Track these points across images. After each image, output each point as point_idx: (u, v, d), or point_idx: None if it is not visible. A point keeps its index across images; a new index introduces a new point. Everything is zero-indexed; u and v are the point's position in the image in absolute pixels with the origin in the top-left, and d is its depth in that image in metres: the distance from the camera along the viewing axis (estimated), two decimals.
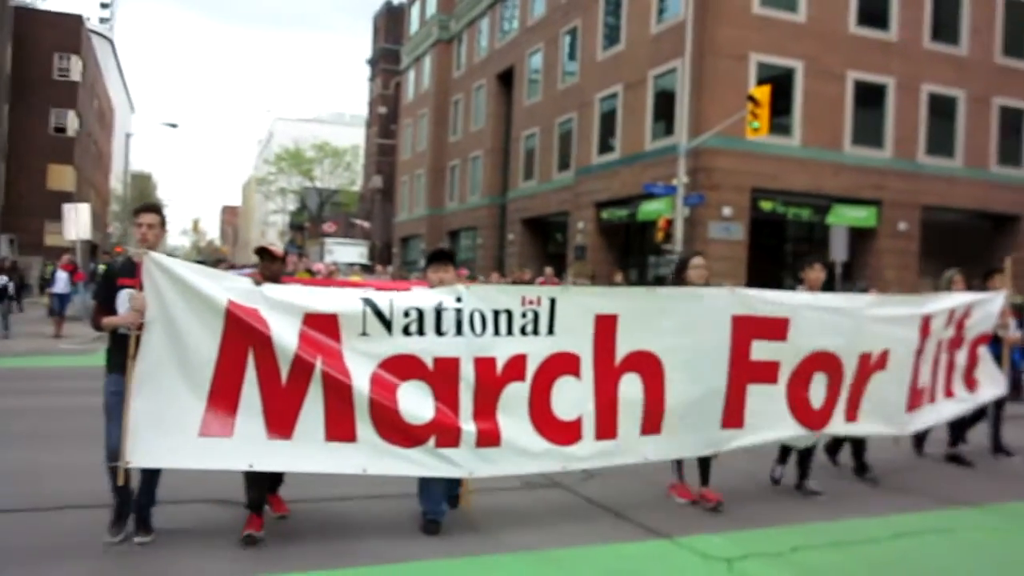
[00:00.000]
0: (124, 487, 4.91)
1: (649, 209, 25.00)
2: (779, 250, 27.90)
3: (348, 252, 36.68)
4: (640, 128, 27.19)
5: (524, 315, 5.41)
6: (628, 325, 5.66)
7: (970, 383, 7.81)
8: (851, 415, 6.59)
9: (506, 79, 41.31)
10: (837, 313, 6.42)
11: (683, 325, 5.83)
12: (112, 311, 4.97)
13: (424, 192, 50.51)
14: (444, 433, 5.17)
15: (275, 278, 5.23)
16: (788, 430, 6.31)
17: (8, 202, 45.33)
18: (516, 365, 5.37)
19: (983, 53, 27.88)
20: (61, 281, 18.26)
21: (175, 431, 4.82)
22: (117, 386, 4.85)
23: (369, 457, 5.09)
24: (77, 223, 22.00)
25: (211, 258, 39.67)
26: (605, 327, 5.62)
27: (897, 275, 25.88)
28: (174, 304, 4.85)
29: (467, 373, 5.24)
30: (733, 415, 6.03)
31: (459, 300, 5.28)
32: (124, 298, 4.92)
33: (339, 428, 5.04)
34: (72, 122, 51.73)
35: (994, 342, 8.03)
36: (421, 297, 5.27)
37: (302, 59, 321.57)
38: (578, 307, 5.59)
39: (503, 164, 41.42)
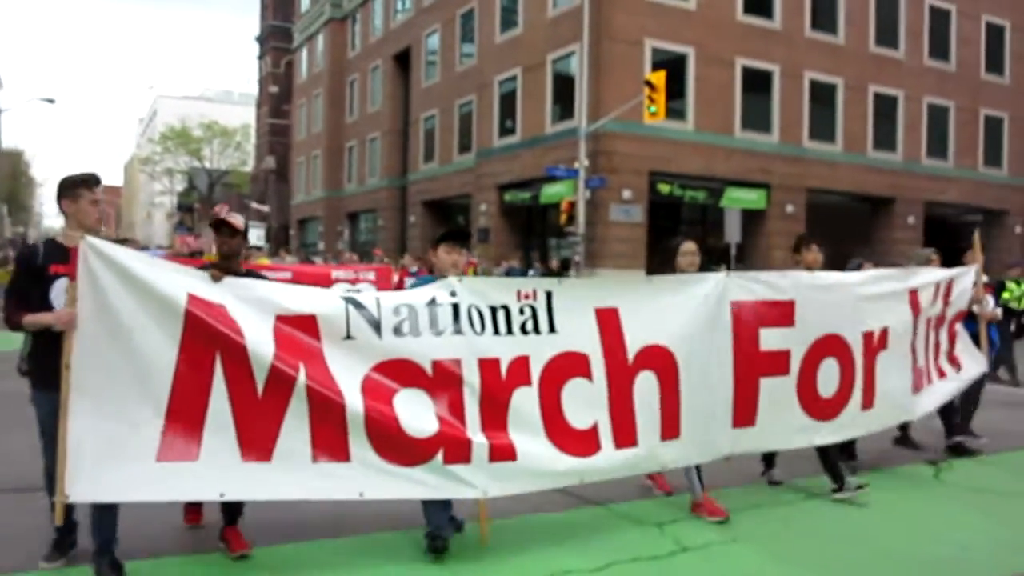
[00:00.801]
0: (65, 524, 4.21)
1: (551, 192, 25.45)
2: (676, 232, 28.82)
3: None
4: (540, 111, 27.57)
5: (522, 311, 4.78)
6: (632, 318, 5.06)
7: (953, 361, 7.41)
8: (867, 401, 6.09)
9: (403, 60, 40.97)
10: (834, 291, 6.01)
11: (685, 316, 5.26)
12: (31, 306, 4.08)
13: (321, 174, 49.68)
14: (453, 447, 4.44)
15: (233, 257, 4.56)
16: (798, 426, 5.76)
17: None
18: (520, 368, 4.72)
19: (858, 42, 29.45)
20: None
21: (126, 456, 4.01)
22: (53, 403, 4.00)
23: (366, 479, 4.34)
24: None
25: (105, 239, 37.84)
26: (608, 322, 5.01)
27: (785, 256, 27.10)
28: (119, 300, 4.03)
29: (471, 377, 4.55)
30: (743, 412, 5.45)
31: (453, 295, 4.61)
32: (61, 290, 4.08)
33: (328, 446, 4.29)
34: None
35: (968, 319, 7.66)
36: (411, 292, 4.70)
37: (184, 35, 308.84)
38: (575, 301, 4.97)
39: (402, 146, 41.15)
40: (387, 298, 4.59)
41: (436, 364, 4.48)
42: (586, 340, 4.94)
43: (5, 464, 6.34)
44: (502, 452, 4.54)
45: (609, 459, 4.88)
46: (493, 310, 4.71)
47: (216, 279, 4.27)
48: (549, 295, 4.87)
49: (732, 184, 26.58)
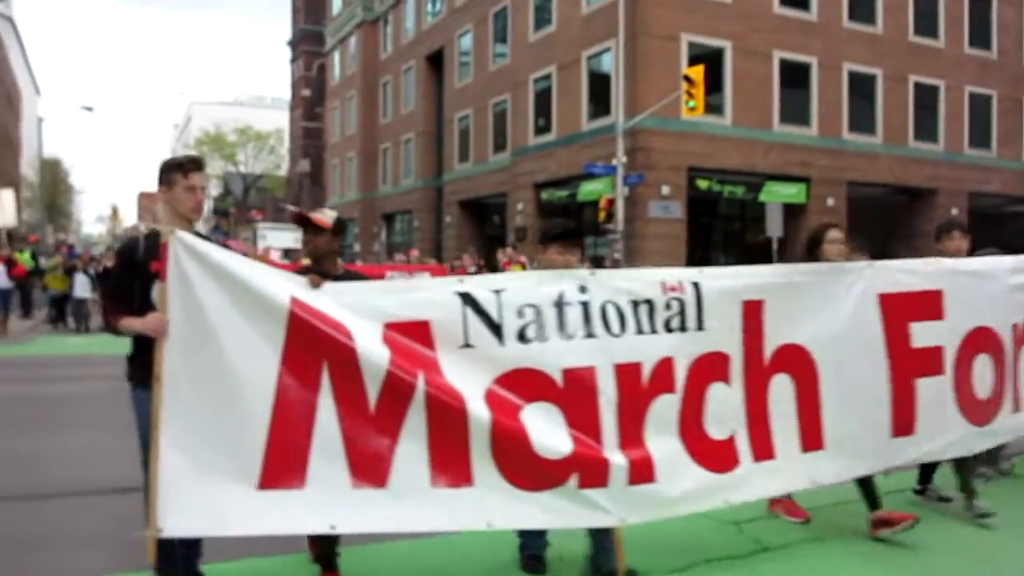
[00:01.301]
0: (165, 556, 3.54)
1: (589, 189, 25.37)
2: (714, 228, 28.64)
3: (283, 237, 35.99)
4: (576, 109, 27.49)
5: (668, 306, 4.16)
6: (774, 312, 4.46)
7: None
8: (1017, 403, 5.42)
9: (435, 60, 41.09)
10: (984, 278, 5.32)
11: (828, 312, 4.66)
12: (131, 307, 3.64)
13: (356, 175, 49.98)
14: (588, 469, 3.89)
15: (325, 258, 4.12)
16: (957, 432, 5.09)
17: None
18: (663, 372, 4.12)
19: (897, 32, 29.01)
20: (1, 275, 17.33)
21: (225, 484, 3.53)
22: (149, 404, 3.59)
23: (493, 506, 3.79)
24: (2, 210, 21.29)
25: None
26: (752, 316, 4.41)
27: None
28: (214, 303, 3.57)
29: (607, 387, 3.95)
30: (902, 420, 4.84)
31: (583, 290, 4.00)
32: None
33: (449, 469, 3.75)
34: None
35: None
36: (535, 289, 3.97)
37: (215, 41, 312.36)
38: (723, 293, 4.34)
39: (437, 146, 41.29)
40: (510, 296, 3.92)
41: (567, 373, 3.90)
42: (729, 338, 4.37)
43: (63, 466, 6.43)
44: (641, 473, 3.98)
45: (748, 474, 4.31)
46: (635, 305, 4.09)
47: (315, 285, 3.73)
48: (697, 287, 4.24)
49: (771, 178, 26.29)
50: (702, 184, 25.64)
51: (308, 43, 67.70)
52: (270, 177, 73.70)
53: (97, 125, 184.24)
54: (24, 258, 19.72)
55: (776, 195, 25.79)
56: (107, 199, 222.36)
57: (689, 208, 25.31)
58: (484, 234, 37.09)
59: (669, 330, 4.17)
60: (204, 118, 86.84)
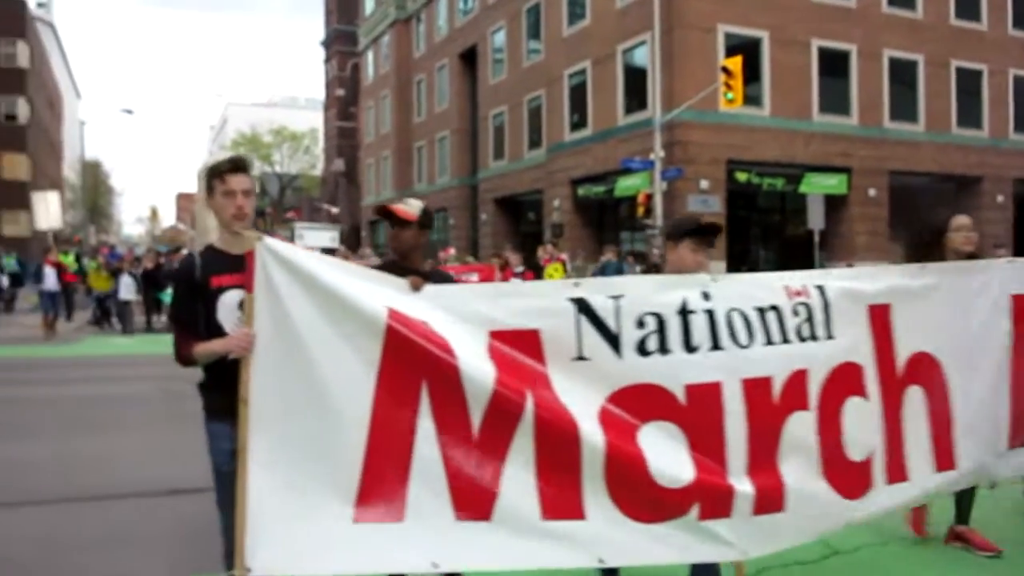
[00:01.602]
0: None
1: (626, 184, 25.20)
2: (754, 221, 28.32)
3: (320, 236, 36.17)
4: (612, 103, 27.32)
5: (796, 312, 3.69)
6: (902, 318, 4.00)
7: None
8: None
9: (469, 58, 41.10)
10: None
11: (958, 315, 4.21)
12: (200, 332, 3.26)
13: (391, 174, 50.20)
14: (711, 498, 3.42)
15: (411, 253, 3.76)
16: None
17: None
18: (796, 386, 3.63)
19: (938, 16, 28.45)
20: (50, 278, 17.17)
21: (318, 517, 3.17)
22: (230, 440, 3.17)
23: (606, 540, 3.36)
24: (48, 212, 21.56)
25: (171, 246, 39.19)
26: (880, 322, 3.96)
27: (868, 241, 26.52)
28: (305, 316, 3.17)
29: (734, 405, 3.48)
30: (1020, 430, 4.35)
31: (707, 297, 3.55)
32: (229, 307, 3.28)
33: (560, 499, 3.33)
34: (23, 109, 50.44)
35: None
36: (655, 296, 3.49)
37: (250, 43, 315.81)
38: (849, 297, 3.89)
39: (471, 144, 41.30)
40: (628, 303, 3.45)
41: (690, 389, 3.43)
42: (860, 346, 3.89)
43: (118, 467, 6.46)
44: (769, 501, 3.51)
45: (880, 497, 3.84)
46: (761, 313, 3.61)
47: (416, 287, 3.31)
48: (822, 290, 3.78)
49: (811, 170, 25.94)
50: (741, 177, 25.35)
51: (341, 43, 68.12)
52: (305, 177, 74.27)
53: (136, 128, 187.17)
54: (68, 260, 19.93)
55: (816, 186, 25.45)
56: (146, 200, 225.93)
57: (728, 201, 25.04)
58: (520, 231, 37.04)
59: (801, 339, 3.67)
60: (240, 119, 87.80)
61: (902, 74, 27.89)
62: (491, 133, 38.13)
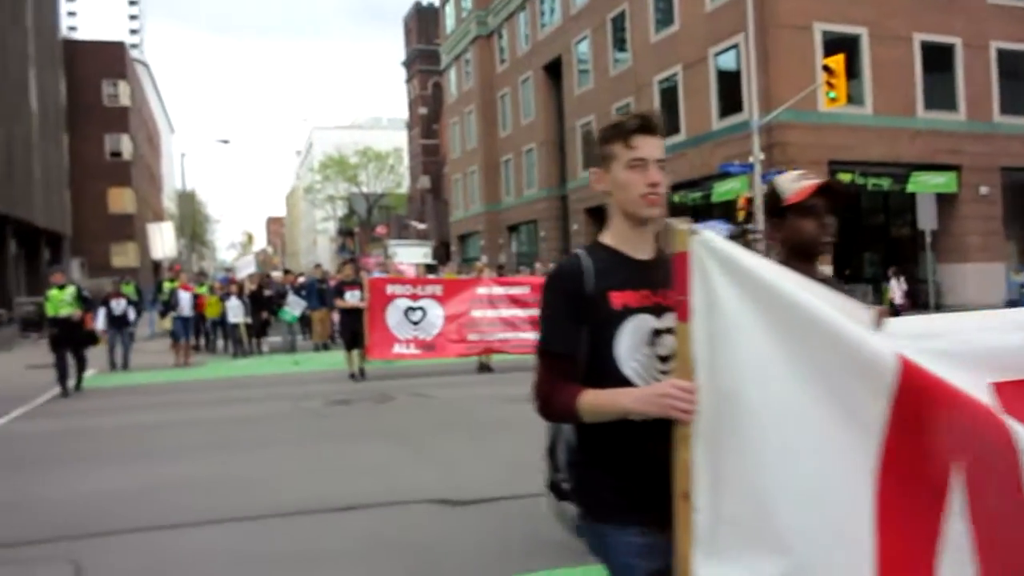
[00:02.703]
0: None
1: (724, 189, 24.78)
2: (857, 222, 27.45)
3: (412, 253, 36.75)
4: (704, 108, 26.95)
5: None
6: None
7: None
8: None
9: (553, 69, 41.17)
10: None
11: None
12: (580, 369, 2.09)
13: (478, 189, 50.60)
14: None
15: (805, 254, 2.51)
16: None
17: (74, 227, 46.35)
18: None
19: None
20: (185, 302, 17.06)
21: None
22: (650, 557, 2.05)
23: None
24: (163, 241, 22.44)
25: (263, 269, 40.16)
26: None
27: (982, 242, 25.43)
28: (767, 355, 1.93)
29: None
30: None
31: None
32: (642, 338, 2.11)
33: None
34: (126, 146, 52.79)
35: None
36: None
37: (332, 67, 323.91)
38: None
39: (559, 155, 41.32)
40: None
41: None
42: None
43: (283, 484, 6.56)
44: None
45: None
46: None
47: (880, 321, 1.98)
48: None
49: (918, 168, 25.03)
50: (844, 177, 24.59)
51: (422, 62, 69.23)
52: (392, 195, 75.59)
53: (226, 157, 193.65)
54: (202, 289, 19.66)
55: (924, 185, 24.58)
56: (239, 226, 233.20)
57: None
58: None
59: None
60: (325, 142, 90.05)
61: (1012, 65, 26.69)
62: (579, 143, 38.05)
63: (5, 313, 28.40)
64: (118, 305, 16.13)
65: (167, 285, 19.02)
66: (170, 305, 17.27)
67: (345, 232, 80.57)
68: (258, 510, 5.75)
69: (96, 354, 15.69)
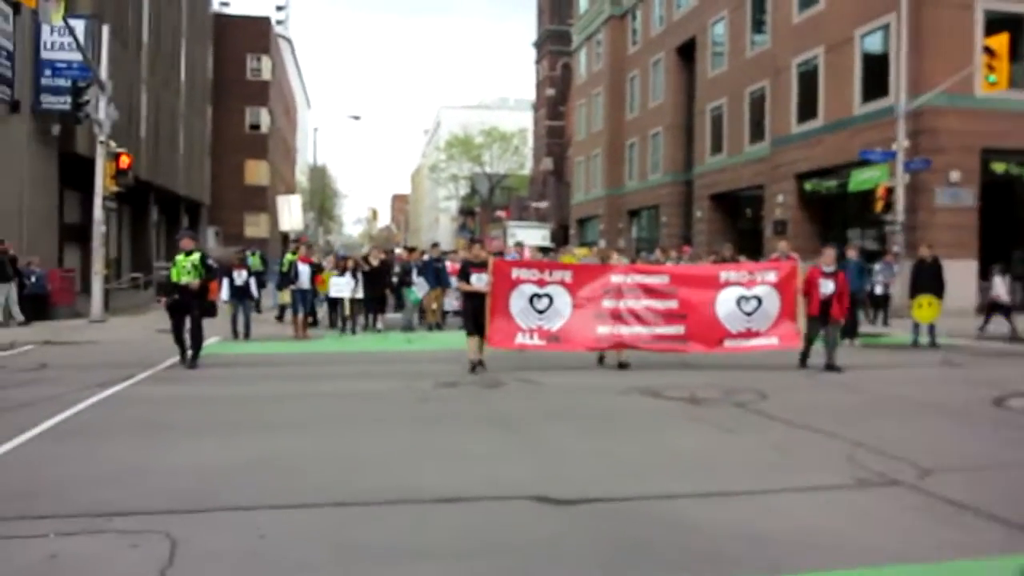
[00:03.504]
0: None
1: (863, 178, 23.27)
2: (1013, 216, 25.33)
3: (532, 235, 36.66)
4: (847, 92, 25.40)
5: None
6: None
7: None
8: None
9: (686, 51, 39.99)
10: None
11: None
12: None
13: (601, 172, 49.91)
14: None
15: None
16: None
17: (211, 196, 48.41)
18: None
19: None
20: (304, 275, 16.84)
21: None
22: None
23: None
24: (291, 214, 22.93)
25: (387, 245, 40.86)
26: None
27: None
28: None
29: None
30: None
31: None
32: None
33: None
34: (265, 119, 54.70)
35: None
36: None
37: (462, 47, 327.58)
38: None
39: (686, 139, 40.19)
40: None
41: None
42: None
43: (392, 468, 6.35)
44: None
45: None
46: None
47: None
48: None
49: None
50: (998, 167, 22.73)
51: (553, 43, 68.73)
52: (514, 177, 75.63)
53: (357, 133, 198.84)
54: (255, 260, 19.81)
55: None
56: (365, 202, 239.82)
57: (983, 194, 22.53)
58: (737, 228, 35.52)
59: None
60: (452, 122, 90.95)
61: None
62: (708, 127, 36.81)
63: (143, 277, 29.87)
64: (239, 276, 16.53)
65: (288, 257, 19.03)
66: (289, 277, 17.48)
67: (466, 212, 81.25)
68: (359, 495, 5.54)
69: (219, 323, 16.18)
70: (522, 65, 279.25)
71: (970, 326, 18.09)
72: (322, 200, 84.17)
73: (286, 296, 17.55)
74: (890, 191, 21.31)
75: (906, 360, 13.70)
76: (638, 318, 12.22)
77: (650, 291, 12.28)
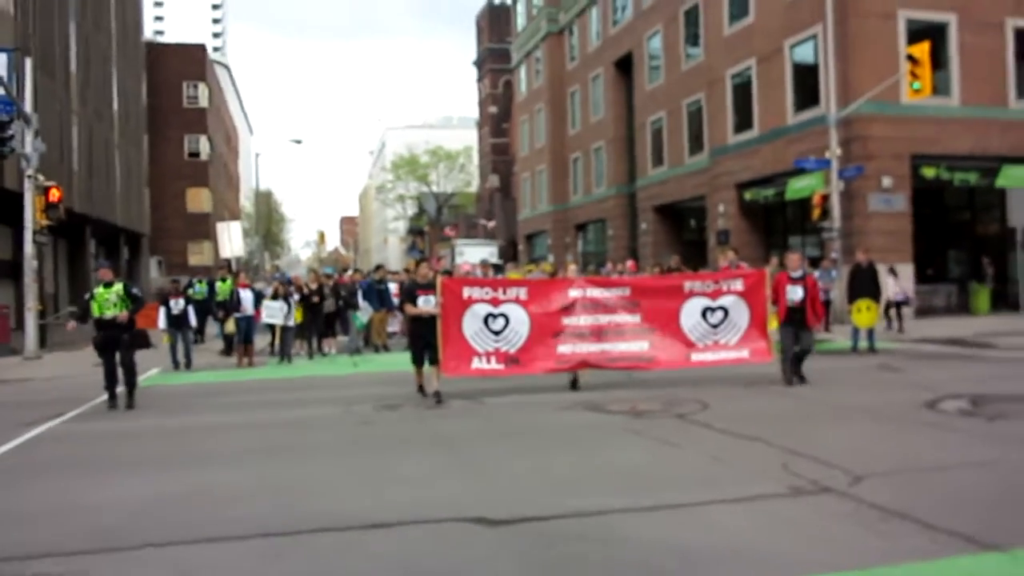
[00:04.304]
0: None
1: (799, 186, 23.76)
2: (942, 219, 26.07)
3: (479, 252, 36.70)
4: (780, 102, 25.93)
5: None
6: None
7: None
8: None
9: (624, 65, 40.45)
10: None
11: None
12: None
13: (547, 187, 50.14)
14: None
15: None
16: None
17: (153, 226, 47.52)
18: None
19: None
20: (247, 301, 16.66)
21: None
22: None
23: None
24: (231, 241, 22.61)
25: (338, 267, 40.63)
26: None
27: None
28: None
29: None
30: None
31: None
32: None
33: None
34: (204, 146, 54.04)
35: None
36: None
37: (404, 68, 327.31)
38: None
39: (628, 152, 40.58)
40: None
41: None
42: None
43: (318, 495, 6.24)
44: None
45: None
46: None
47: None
48: None
49: (1009, 161, 23.57)
50: (928, 172, 23.36)
51: (493, 61, 69.12)
52: (462, 195, 75.69)
53: (302, 157, 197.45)
54: (201, 288, 19.72)
55: (1016, 179, 23.26)
56: (313, 225, 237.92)
57: (914, 199, 23.13)
58: (682, 239, 35.94)
59: None
60: (397, 142, 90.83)
61: None
62: (649, 140, 37.26)
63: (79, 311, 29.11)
64: (176, 304, 16.21)
65: (221, 286, 18.55)
66: (230, 306, 17.14)
67: (415, 231, 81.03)
68: (288, 525, 5.41)
69: (158, 355, 15.81)
70: (466, 84, 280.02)
71: (912, 329, 18.55)
72: (268, 225, 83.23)
73: (231, 325, 17.16)
74: (826, 198, 21.77)
75: (845, 366, 13.92)
76: (601, 334, 11.46)
77: (611, 305, 11.55)
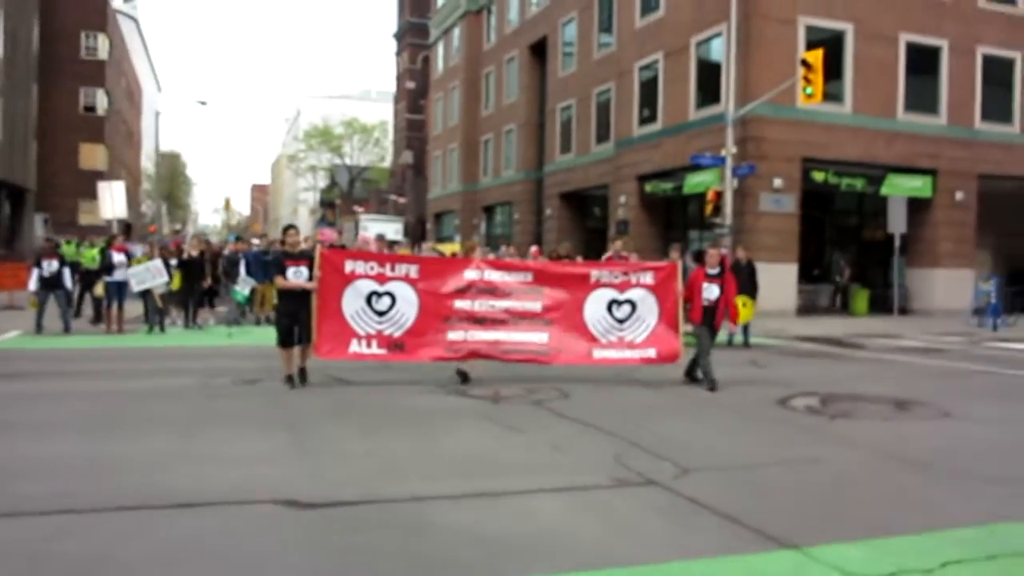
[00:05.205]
0: None
1: (696, 181, 24.19)
2: (829, 223, 26.98)
3: (384, 228, 36.26)
4: (683, 97, 26.31)
5: None
6: None
7: None
8: None
9: (539, 50, 40.43)
10: None
11: None
12: None
13: (457, 167, 49.85)
14: None
15: None
16: None
17: (41, 181, 45.20)
18: None
19: None
20: (120, 266, 15.85)
21: None
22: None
23: None
24: (112, 201, 21.67)
25: (247, 236, 39.44)
26: None
27: (954, 247, 25.07)
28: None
29: None
30: None
31: None
32: None
33: None
34: (101, 101, 51.63)
35: None
36: None
37: (326, 36, 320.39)
38: None
39: (538, 137, 40.65)
40: None
41: None
42: None
43: (138, 472, 5.99)
44: None
45: None
46: None
47: None
48: None
49: (894, 170, 24.56)
50: (818, 176, 24.10)
51: (413, 35, 68.19)
52: (375, 169, 74.71)
53: (212, 120, 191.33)
54: (69, 249, 18.76)
55: (899, 188, 24.15)
56: (223, 191, 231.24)
57: (804, 202, 23.83)
58: (585, 227, 36.26)
59: None
60: (313, 112, 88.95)
61: (997, 72, 26.22)
62: (559, 127, 37.38)
63: None
64: (49, 265, 15.41)
65: (89, 252, 17.89)
66: (101, 268, 16.30)
67: (326, 203, 79.63)
68: (91, 502, 5.16)
69: (24, 317, 15.02)
70: (387, 57, 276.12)
71: (790, 327, 19.07)
72: (171, 188, 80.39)
73: (99, 289, 16.39)
74: (720, 195, 22.19)
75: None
76: (496, 323, 10.44)
77: (510, 291, 10.55)
